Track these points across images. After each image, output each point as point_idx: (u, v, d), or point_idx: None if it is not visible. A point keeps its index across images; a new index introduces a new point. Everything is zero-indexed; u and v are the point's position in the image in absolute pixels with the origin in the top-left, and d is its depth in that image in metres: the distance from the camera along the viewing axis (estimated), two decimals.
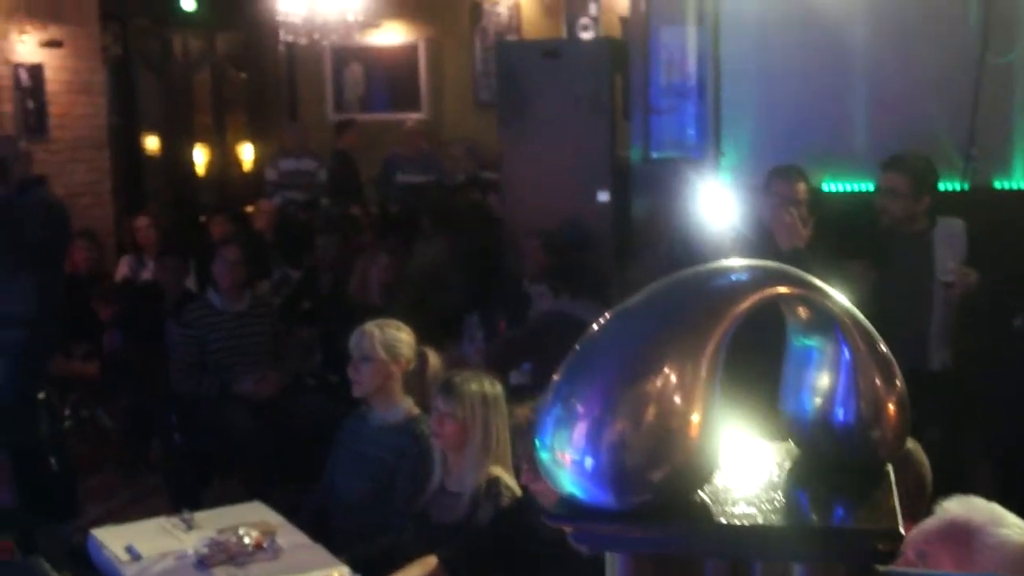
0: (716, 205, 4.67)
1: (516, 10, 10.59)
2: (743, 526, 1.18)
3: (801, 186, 4.83)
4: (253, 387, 5.48)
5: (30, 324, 5.20)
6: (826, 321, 1.26)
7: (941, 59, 5.46)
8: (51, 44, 7.47)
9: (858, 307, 1.28)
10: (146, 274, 7.24)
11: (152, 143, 9.64)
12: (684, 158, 6.85)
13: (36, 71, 7.38)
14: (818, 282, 1.25)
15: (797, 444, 1.35)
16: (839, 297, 1.26)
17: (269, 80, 10.97)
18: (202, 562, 3.44)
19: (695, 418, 1.16)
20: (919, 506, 2.53)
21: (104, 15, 8.12)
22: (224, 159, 10.42)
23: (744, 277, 1.23)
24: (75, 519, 5.12)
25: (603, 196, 6.92)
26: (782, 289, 1.23)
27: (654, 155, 7.08)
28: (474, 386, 3.57)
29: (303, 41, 8.00)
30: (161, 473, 5.74)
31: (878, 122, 5.50)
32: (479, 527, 3.43)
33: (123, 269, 7.38)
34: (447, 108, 10.93)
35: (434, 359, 4.06)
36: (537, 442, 1.22)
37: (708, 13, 5.72)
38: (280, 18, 7.71)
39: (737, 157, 5.64)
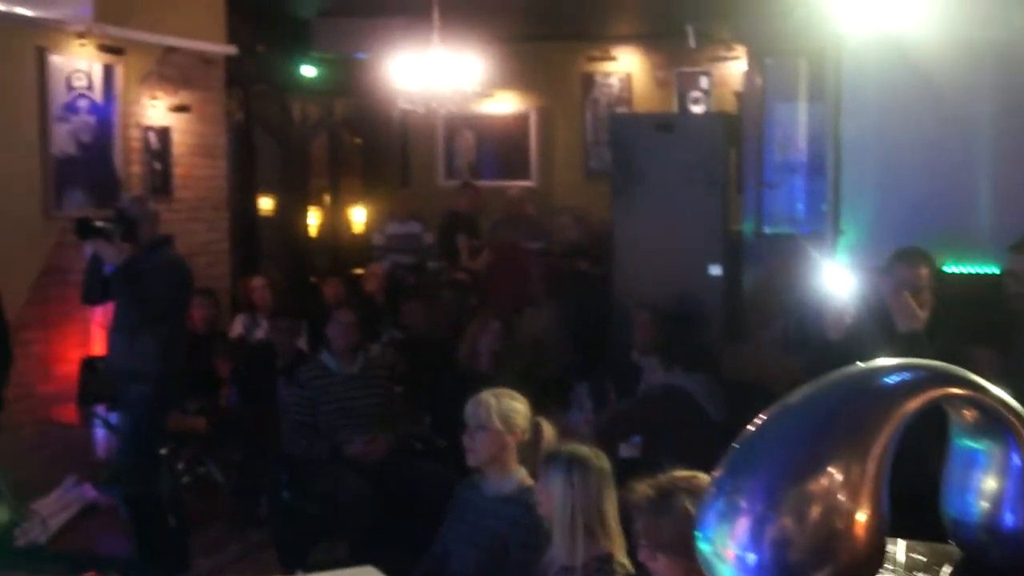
0: (834, 283, 4.62)
1: (627, 82, 10.69)
2: None
3: (923, 270, 4.76)
4: (363, 449, 5.53)
5: (154, 380, 5.35)
6: (995, 424, 1.24)
7: None
8: (179, 109, 7.74)
9: None
10: (260, 333, 7.40)
11: (268, 204, 9.89)
12: (796, 234, 6.81)
13: (164, 134, 7.65)
14: (988, 384, 1.24)
15: (961, 547, 1.33)
16: (1008, 399, 1.24)
17: (383, 145, 11.20)
18: None
19: (861, 518, 1.15)
20: None
21: (229, 81, 8.40)
22: (336, 222, 10.64)
23: (913, 376, 1.22)
24: (187, 572, 5.21)
25: (715, 270, 6.90)
26: (953, 390, 1.22)
27: (766, 230, 7.05)
28: (564, 453, 3.55)
29: (420, 110, 8.16)
30: (269, 530, 5.81)
31: (1004, 202, 5.39)
32: None
33: (237, 328, 7.54)
34: (556, 177, 11.03)
35: (549, 430, 4.06)
36: (698, 534, 1.21)
37: (830, 89, 5.69)
38: (397, 87, 7.88)
39: (856, 236, 5.58)
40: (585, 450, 3.54)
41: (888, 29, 5.42)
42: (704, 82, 10.16)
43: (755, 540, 1.15)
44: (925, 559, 1.40)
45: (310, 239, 10.30)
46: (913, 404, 1.19)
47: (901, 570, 1.37)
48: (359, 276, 8.27)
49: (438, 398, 6.12)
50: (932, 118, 5.46)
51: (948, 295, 4.77)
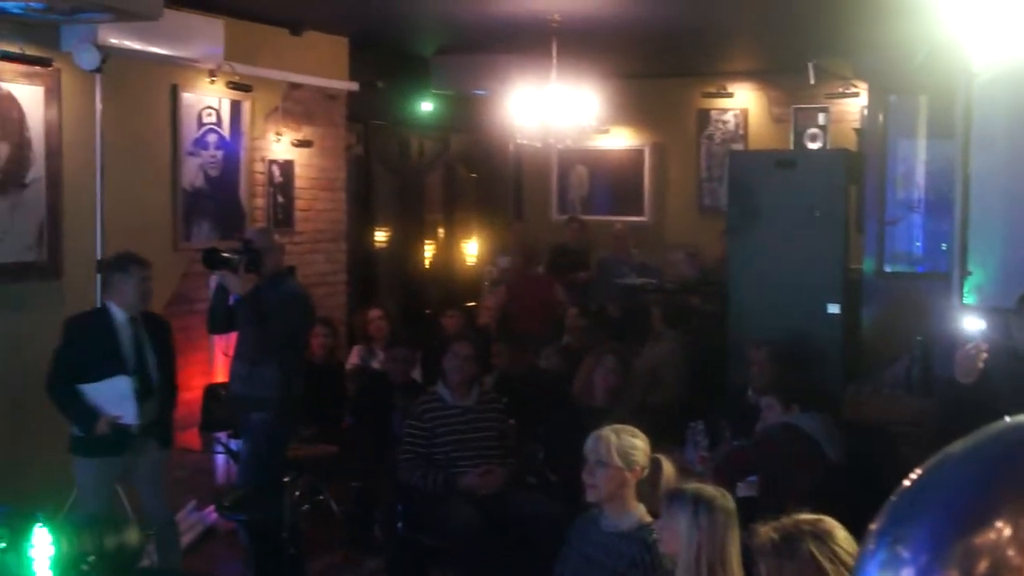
0: (963, 325, 4.51)
1: (743, 118, 10.64)
2: None
3: None
4: (477, 481, 5.57)
5: (275, 408, 5.47)
6: None
7: None
8: (302, 144, 7.94)
9: None
10: (375, 364, 7.50)
11: (384, 237, 10.05)
12: (918, 273, 6.69)
13: (287, 168, 7.85)
14: None
15: None
16: None
17: (497, 180, 11.31)
18: None
19: None
20: None
21: (350, 117, 8.59)
22: (450, 255, 10.75)
23: None
24: None
25: (833, 308, 6.80)
26: None
27: (887, 268, 6.93)
28: (689, 492, 3.51)
29: (536, 145, 8.24)
30: (384, 558, 5.88)
31: None
32: None
33: (354, 358, 7.66)
34: (669, 213, 11.01)
35: (668, 467, 4.04)
36: None
37: (958, 126, 5.59)
38: (514, 122, 7.96)
39: (984, 276, 5.46)
40: (711, 489, 3.51)
41: (1019, 64, 5.31)
42: (822, 118, 10.05)
43: None
44: None
45: (424, 271, 10.43)
46: None
47: None
48: (472, 308, 8.34)
49: (552, 432, 6.12)
50: None
51: None
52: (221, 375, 6.69)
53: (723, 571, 3.44)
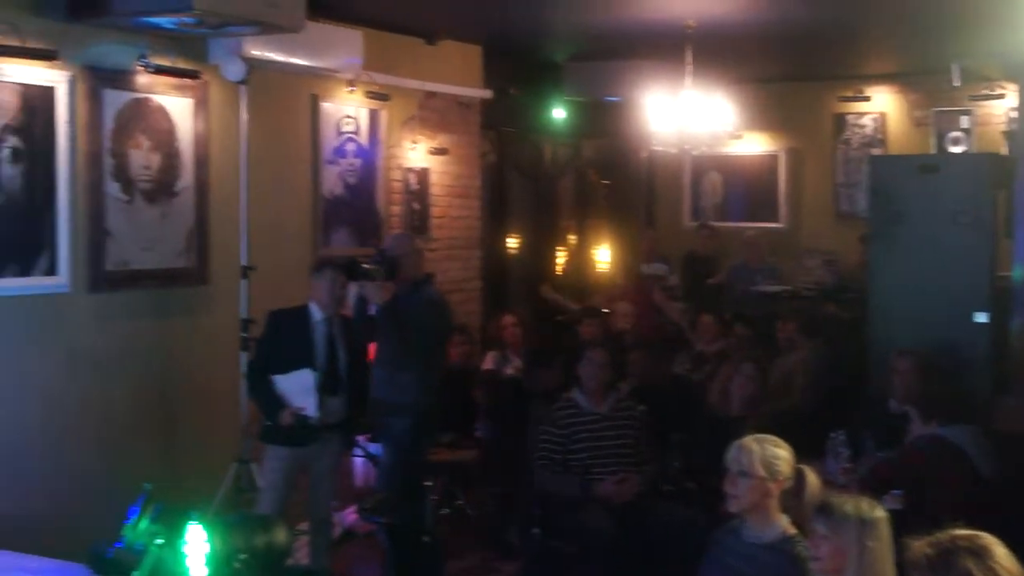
0: None
1: (881, 122, 10.39)
2: None
3: None
4: (614, 488, 5.55)
5: (416, 414, 5.54)
6: None
7: None
8: (437, 151, 8.04)
9: None
10: (510, 370, 7.55)
11: (517, 243, 10.10)
12: None
13: (423, 175, 7.95)
14: None
15: None
16: None
17: (629, 186, 11.27)
18: None
19: None
20: None
21: (484, 124, 8.66)
22: (582, 261, 10.75)
23: None
24: None
25: (981, 317, 6.58)
26: None
27: None
28: (852, 509, 3.45)
29: (671, 151, 8.18)
30: (520, 564, 5.90)
31: None
32: None
33: (488, 364, 7.71)
34: (804, 219, 10.81)
35: (813, 479, 3.96)
36: None
37: None
38: (648, 129, 7.93)
39: None
40: (871, 505, 3.44)
41: None
42: (965, 121, 9.75)
43: None
44: None
45: (557, 278, 10.45)
46: None
47: None
48: (607, 315, 8.31)
49: (688, 440, 6.07)
50: None
51: None
52: None
53: None
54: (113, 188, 5.70)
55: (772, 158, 10.89)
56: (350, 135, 7.30)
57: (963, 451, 4.98)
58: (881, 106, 10.39)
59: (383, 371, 5.70)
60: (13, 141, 5.20)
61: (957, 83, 7.90)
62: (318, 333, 5.43)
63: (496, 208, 9.58)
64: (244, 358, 5.98)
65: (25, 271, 5.29)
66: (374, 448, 6.20)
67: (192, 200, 6.13)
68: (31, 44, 5.21)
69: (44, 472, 5.37)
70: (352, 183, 7.33)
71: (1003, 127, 9.23)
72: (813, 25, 7.53)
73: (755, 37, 8.04)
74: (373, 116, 7.46)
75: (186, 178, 6.09)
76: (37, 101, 5.30)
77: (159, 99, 5.94)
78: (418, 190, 7.92)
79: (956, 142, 9.65)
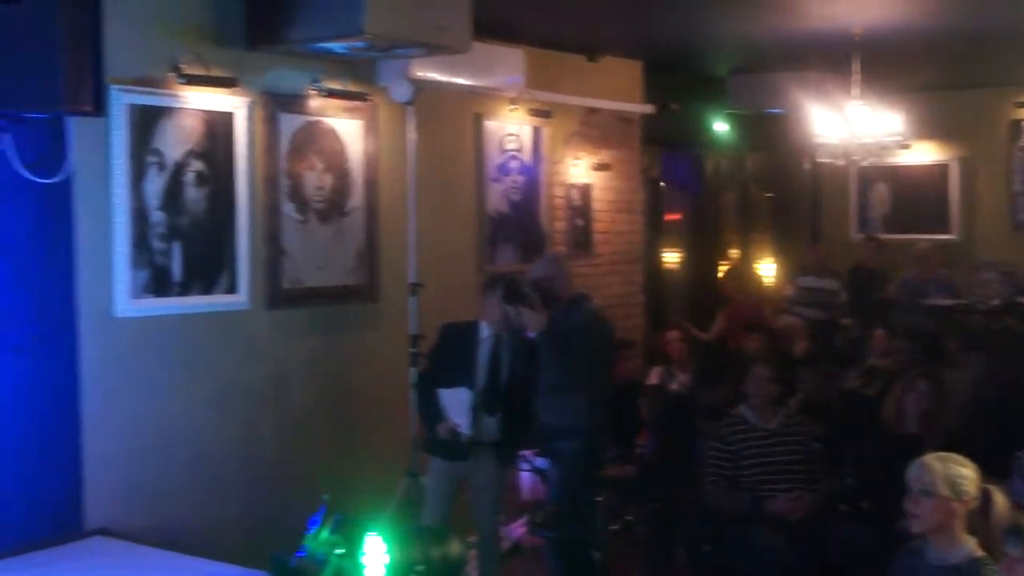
0: None
1: None
2: None
3: None
4: (786, 506, 5.45)
5: (584, 435, 5.52)
6: None
7: None
8: (600, 167, 8.06)
9: None
10: (675, 386, 7.49)
11: (677, 258, 10.03)
12: None
13: (586, 191, 7.98)
14: None
15: None
16: None
17: (793, 199, 11.08)
18: None
19: None
20: None
21: (645, 139, 8.64)
22: (746, 275, 10.60)
23: None
24: None
25: None
26: None
27: None
28: None
29: (838, 163, 8.01)
30: None
31: None
32: None
33: (653, 379, 7.67)
34: (978, 230, 10.44)
35: (1000, 499, 3.82)
36: None
37: None
38: (814, 140, 7.78)
39: None
40: None
41: None
42: None
43: None
44: None
45: (718, 292, 10.33)
46: None
47: None
48: (774, 330, 8.18)
49: (863, 458, 5.91)
50: None
51: None
52: None
53: None
54: (289, 208, 5.89)
55: (942, 167, 10.56)
56: (513, 152, 7.38)
57: None
58: None
59: (549, 396, 5.62)
60: (197, 165, 5.43)
61: None
62: (483, 350, 5.48)
63: (657, 223, 9.54)
64: (413, 374, 6.09)
65: (208, 289, 5.51)
66: (541, 462, 6.22)
67: (362, 219, 6.28)
68: (213, 72, 5.43)
69: (224, 481, 5.57)
70: (516, 200, 7.40)
71: None
72: (984, 30, 7.28)
73: (923, 44, 7.82)
74: (536, 133, 7.53)
75: (357, 198, 6.25)
76: (219, 126, 5.52)
77: (331, 121, 6.12)
78: (581, 206, 7.94)
79: None
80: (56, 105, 4.33)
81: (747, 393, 5.83)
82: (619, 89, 8.25)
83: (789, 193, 11.05)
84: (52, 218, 4.86)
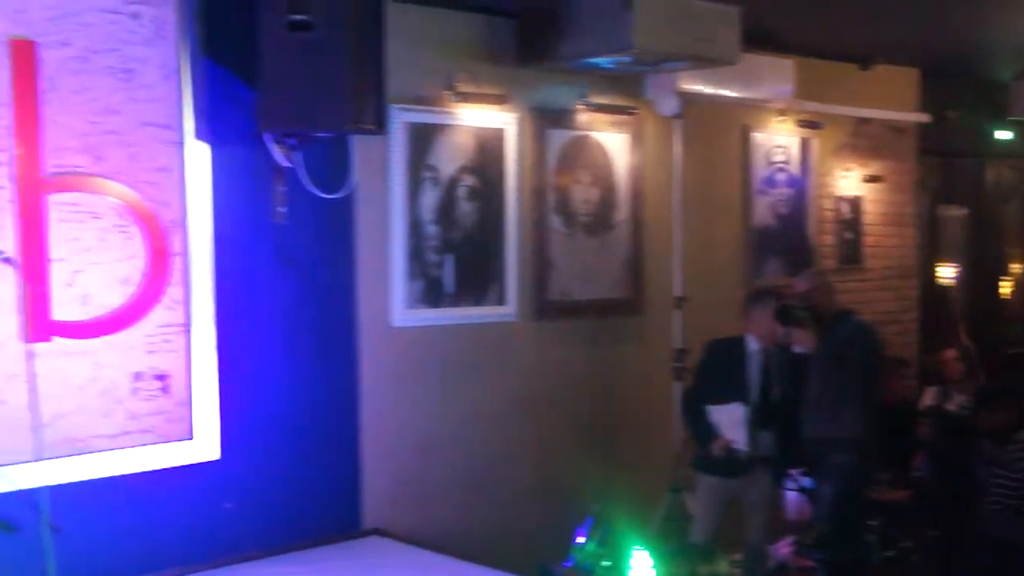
0: None
1: None
2: None
3: None
4: None
5: (856, 449, 5.36)
6: None
7: None
8: (871, 179, 7.79)
9: None
10: (951, 406, 7.13)
11: (953, 273, 9.52)
12: None
13: (855, 204, 7.73)
14: None
15: None
16: None
17: None
18: None
19: None
20: None
21: (919, 149, 8.28)
22: None
23: None
24: None
25: None
26: None
27: None
28: None
29: None
30: None
31: None
32: None
33: (928, 400, 7.33)
34: None
35: None
36: None
37: None
38: None
39: None
40: None
41: None
42: None
43: None
44: None
45: (1002, 308, 9.76)
46: None
47: None
48: None
49: None
50: None
51: None
52: None
53: None
54: (556, 222, 5.99)
55: None
56: (781, 165, 7.23)
57: None
58: None
59: (820, 410, 5.51)
60: (469, 180, 5.61)
61: None
62: (753, 365, 5.40)
63: (931, 236, 9.10)
64: (677, 388, 6.05)
65: (478, 301, 5.67)
66: (807, 482, 6.06)
67: (627, 232, 6.31)
68: (485, 90, 5.60)
69: (490, 489, 5.70)
70: (783, 213, 7.25)
71: None
72: None
73: None
74: (804, 145, 7.35)
75: (622, 211, 6.28)
76: (489, 142, 5.68)
77: (597, 136, 6.18)
78: (850, 219, 7.70)
79: None
80: (343, 125, 4.55)
81: None
82: (892, 97, 7.94)
83: None
84: (336, 231, 5.11)
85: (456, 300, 5.57)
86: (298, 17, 4.37)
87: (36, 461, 4.05)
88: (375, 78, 4.58)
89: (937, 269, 9.22)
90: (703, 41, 5.39)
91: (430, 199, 5.47)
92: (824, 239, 7.52)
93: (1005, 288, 9.85)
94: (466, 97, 5.51)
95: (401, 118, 5.29)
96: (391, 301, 5.32)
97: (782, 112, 7.11)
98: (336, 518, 5.06)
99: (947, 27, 6.84)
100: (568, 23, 5.45)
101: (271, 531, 4.81)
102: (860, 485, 5.46)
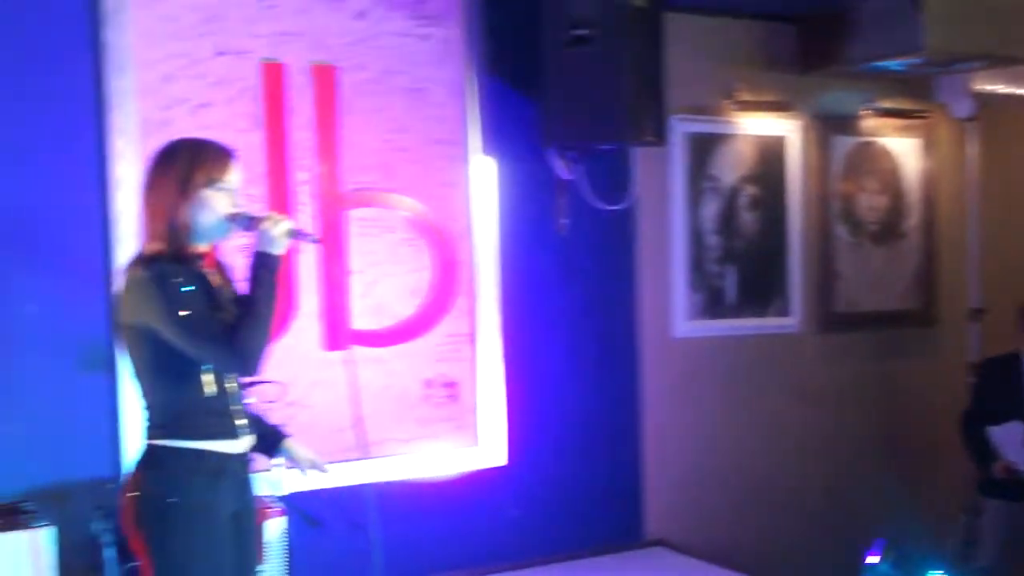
0: None
1: None
2: None
3: None
4: None
5: None
6: None
7: None
8: None
9: None
10: None
11: None
12: None
13: None
14: None
15: None
16: None
17: None
18: None
19: None
20: None
21: None
22: None
23: None
24: None
25: None
26: None
27: None
28: None
29: None
30: None
31: None
32: None
33: None
34: None
35: None
36: None
37: None
38: None
39: None
40: None
41: None
42: None
43: None
44: None
45: None
46: None
47: None
48: None
49: None
50: None
51: None
52: None
53: None
54: (841, 231, 5.81)
55: None
56: None
57: None
58: None
59: None
60: (751, 189, 5.52)
61: None
62: None
63: None
64: None
65: (761, 312, 5.57)
66: None
67: (918, 241, 6.04)
68: (766, 98, 5.50)
69: (774, 505, 5.56)
70: None
71: None
72: None
73: None
74: None
75: (913, 218, 6.02)
76: (771, 150, 5.57)
77: (884, 141, 5.95)
78: None
79: None
80: (624, 137, 4.59)
81: None
82: None
83: None
84: (617, 243, 5.14)
85: (738, 311, 5.50)
86: (578, 32, 4.44)
87: (340, 463, 4.26)
88: (655, 90, 4.60)
89: None
90: (1001, 39, 5.10)
91: (711, 209, 5.43)
92: None
93: None
94: (746, 105, 5.44)
95: (681, 129, 5.27)
96: (672, 312, 5.31)
97: None
98: (619, 527, 5.08)
99: None
100: (853, 26, 5.28)
101: (554, 538, 4.88)
102: None
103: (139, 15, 4.06)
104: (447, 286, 4.67)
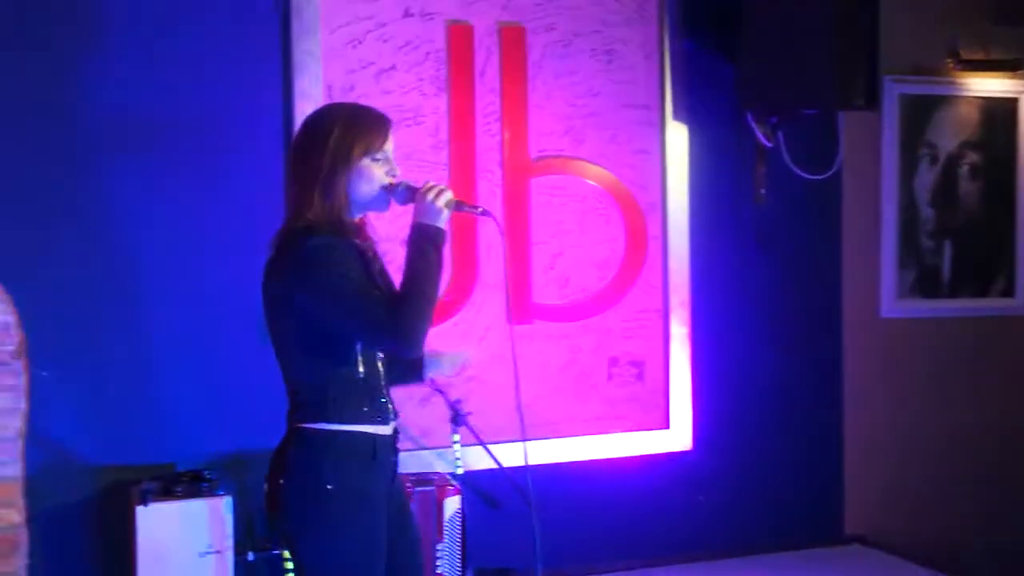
0: None
1: None
2: None
3: None
4: None
5: None
6: None
7: None
8: None
9: None
10: None
11: None
12: None
13: None
14: None
15: None
16: None
17: None
18: None
19: None
20: None
21: None
22: None
23: None
24: None
25: None
26: None
27: None
28: None
29: None
30: None
31: None
32: None
33: None
34: None
35: None
36: None
37: None
38: None
39: None
40: None
41: None
42: None
43: None
44: None
45: None
46: None
47: None
48: None
49: None
50: None
51: None
52: None
53: None
54: None
55: None
56: None
57: None
58: None
59: None
60: (973, 157, 5.11)
61: None
62: None
63: None
64: None
65: (981, 292, 5.16)
66: None
67: None
68: (995, 56, 5.05)
69: (987, 503, 5.13)
70: None
71: None
72: None
73: None
74: None
75: None
76: (998, 114, 5.13)
77: None
78: None
79: None
80: (830, 101, 4.33)
81: None
82: None
83: None
84: (820, 215, 4.85)
85: (954, 290, 5.11)
86: None
87: (519, 441, 4.14)
88: (866, 49, 4.31)
89: None
90: None
91: (926, 179, 5.04)
92: None
93: None
94: (972, 65, 5.01)
95: (895, 91, 4.90)
96: (880, 290, 4.97)
97: None
98: (815, 522, 4.81)
99: None
100: None
101: (745, 530, 4.67)
102: None
103: None
104: (635, 259, 4.48)
